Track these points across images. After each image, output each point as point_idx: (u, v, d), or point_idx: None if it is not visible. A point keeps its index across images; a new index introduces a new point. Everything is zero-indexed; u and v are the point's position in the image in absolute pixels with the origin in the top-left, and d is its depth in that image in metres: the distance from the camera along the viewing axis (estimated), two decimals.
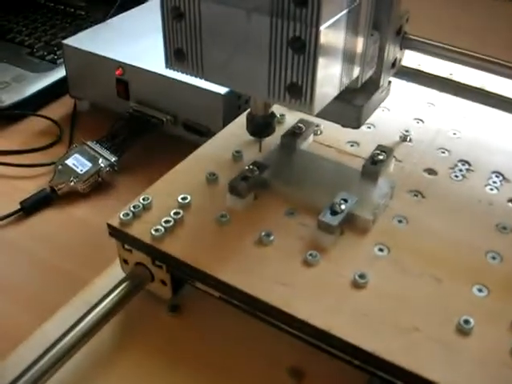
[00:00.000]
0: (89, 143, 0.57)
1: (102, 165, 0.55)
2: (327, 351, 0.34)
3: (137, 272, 0.39)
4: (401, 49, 0.44)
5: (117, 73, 0.59)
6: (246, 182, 0.39)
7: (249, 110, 0.40)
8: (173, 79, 0.56)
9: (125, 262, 0.40)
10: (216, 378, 0.37)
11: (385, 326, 0.33)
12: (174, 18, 0.35)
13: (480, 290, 0.35)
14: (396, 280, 0.36)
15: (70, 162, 0.56)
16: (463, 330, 0.33)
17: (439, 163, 0.45)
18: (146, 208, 0.39)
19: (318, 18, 0.30)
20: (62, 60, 0.70)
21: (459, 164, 0.45)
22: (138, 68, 0.58)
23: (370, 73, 0.40)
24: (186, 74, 0.37)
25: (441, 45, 0.43)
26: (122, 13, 0.71)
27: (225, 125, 0.54)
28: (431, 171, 0.45)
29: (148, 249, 0.37)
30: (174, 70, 0.37)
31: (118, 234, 0.39)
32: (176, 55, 0.36)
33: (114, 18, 0.68)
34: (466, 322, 0.33)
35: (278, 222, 0.39)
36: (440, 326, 0.33)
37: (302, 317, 0.33)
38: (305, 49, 0.31)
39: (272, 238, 0.38)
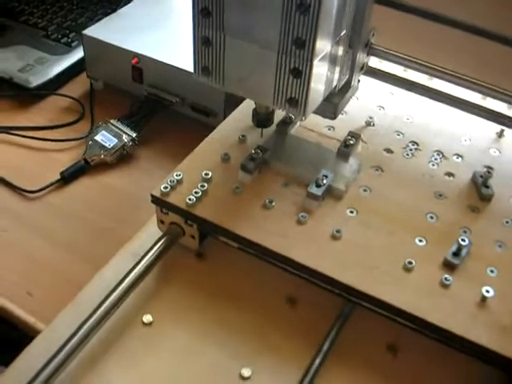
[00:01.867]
0: (112, 121, 0.70)
1: (126, 140, 0.68)
2: (314, 283, 0.49)
3: (172, 229, 0.53)
4: (367, 55, 0.57)
5: (133, 61, 0.71)
6: (253, 162, 0.53)
7: (255, 107, 0.54)
8: (181, 69, 0.68)
9: (161, 222, 0.54)
10: (233, 304, 0.51)
11: (355, 265, 0.48)
12: (203, 43, 0.48)
13: (420, 241, 0.50)
14: (362, 234, 0.50)
15: (98, 137, 0.68)
16: (408, 268, 0.48)
17: (395, 144, 0.60)
18: (179, 182, 0.52)
19: (312, 56, 0.43)
20: (76, 43, 0.82)
21: (410, 144, 0.60)
22: (152, 59, 0.70)
23: (344, 80, 0.54)
24: (210, 84, 0.50)
25: (395, 53, 0.57)
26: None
27: (226, 107, 0.67)
28: (389, 150, 0.59)
29: (183, 213, 0.51)
30: (199, 79, 0.50)
31: (158, 201, 0.52)
32: (203, 71, 0.49)
33: (124, 8, 0.79)
34: (410, 262, 0.48)
35: (276, 191, 0.53)
36: (392, 265, 0.48)
37: (298, 259, 0.48)
38: (301, 76, 0.44)
39: (273, 203, 0.52)
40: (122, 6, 0.80)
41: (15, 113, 0.75)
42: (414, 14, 0.56)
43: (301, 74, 0.44)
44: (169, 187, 0.52)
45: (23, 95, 0.76)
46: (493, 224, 0.53)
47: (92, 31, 0.74)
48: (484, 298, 0.46)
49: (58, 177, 0.66)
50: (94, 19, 0.86)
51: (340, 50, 0.49)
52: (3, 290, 0.55)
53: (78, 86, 0.79)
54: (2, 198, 0.64)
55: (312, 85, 0.45)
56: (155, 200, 0.52)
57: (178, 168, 0.54)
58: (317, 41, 0.42)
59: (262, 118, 0.54)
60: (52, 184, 0.65)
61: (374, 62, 0.59)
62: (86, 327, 0.46)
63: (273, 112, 0.54)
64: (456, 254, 0.48)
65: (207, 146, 0.57)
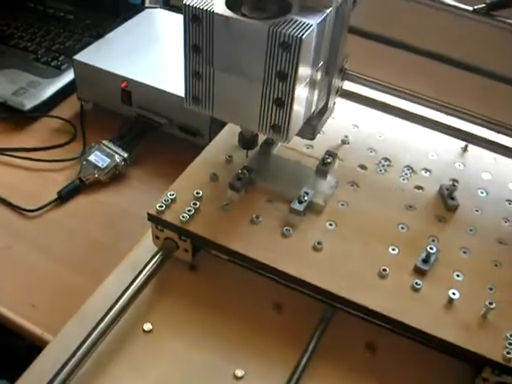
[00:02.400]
0: (104, 142, 0.74)
1: (118, 160, 0.72)
2: (298, 290, 0.54)
3: (167, 244, 0.58)
4: (342, 80, 0.63)
5: (122, 85, 0.75)
6: (240, 181, 0.58)
7: (241, 130, 0.59)
8: (169, 92, 0.73)
9: (156, 237, 0.59)
10: (224, 311, 0.56)
11: (335, 273, 0.53)
12: (193, 76, 0.52)
13: (393, 249, 0.56)
14: (341, 245, 0.56)
15: (92, 158, 0.73)
16: (382, 275, 0.53)
17: (369, 160, 0.65)
18: (173, 200, 0.57)
19: (293, 87, 0.48)
20: (65, 66, 0.86)
21: (382, 161, 0.65)
22: (141, 83, 0.74)
23: (322, 103, 0.59)
24: (198, 111, 0.55)
25: (366, 77, 0.63)
26: (110, 21, 0.87)
27: (212, 127, 0.72)
28: (363, 167, 0.65)
29: (178, 229, 0.56)
30: (190, 108, 0.55)
31: (154, 219, 0.57)
32: (193, 100, 0.54)
33: (111, 33, 0.83)
34: (384, 270, 0.53)
35: (262, 208, 0.58)
36: (368, 273, 0.53)
37: (283, 269, 0.53)
38: (284, 105, 0.49)
39: (260, 219, 0.57)
40: (108, 31, 0.84)
41: (9, 135, 0.79)
42: (383, 42, 0.62)
43: (283, 103, 0.49)
44: (164, 206, 0.57)
45: (17, 117, 0.80)
46: (458, 232, 0.58)
47: (82, 56, 0.78)
48: (451, 300, 0.51)
49: (55, 196, 0.70)
50: (80, 42, 0.91)
51: (318, 78, 0.54)
52: (9, 303, 0.60)
53: (68, 108, 0.83)
54: (3, 217, 0.68)
55: (293, 112, 0.50)
56: (151, 218, 0.57)
57: (171, 188, 0.59)
58: (298, 74, 0.47)
59: (247, 141, 0.59)
60: (50, 203, 0.69)
61: (348, 85, 0.64)
62: (92, 337, 0.50)
63: (257, 135, 0.59)
64: (425, 260, 0.54)
65: (197, 167, 0.62)
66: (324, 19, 0.49)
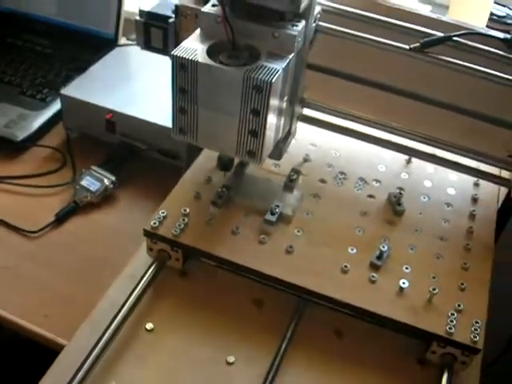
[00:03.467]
0: (93, 167, 0.83)
1: (107, 183, 0.82)
2: (275, 288, 0.64)
3: (160, 255, 0.67)
4: (302, 107, 0.73)
5: (107, 116, 0.85)
6: (220, 199, 0.68)
7: (219, 155, 0.69)
8: (150, 122, 0.83)
9: (150, 249, 0.68)
10: (213, 309, 0.66)
11: (305, 271, 0.64)
12: (179, 111, 0.62)
13: (352, 249, 0.67)
14: (308, 248, 0.66)
15: (84, 182, 0.82)
16: (344, 270, 0.64)
17: (327, 175, 0.76)
18: (164, 218, 0.67)
19: (265, 121, 0.59)
20: (50, 98, 0.95)
21: (339, 174, 0.77)
22: (124, 114, 0.84)
23: (286, 129, 0.70)
24: (184, 141, 0.64)
25: (322, 104, 0.74)
26: (87, 54, 0.96)
27: (189, 151, 0.82)
28: (323, 181, 0.75)
29: (170, 242, 0.65)
30: (177, 139, 0.65)
31: (149, 234, 0.66)
32: (179, 131, 0.64)
33: (93, 67, 0.92)
34: (345, 266, 0.64)
35: (240, 220, 0.68)
36: (332, 269, 0.64)
37: (262, 270, 0.63)
38: (257, 135, 0.60)
39: (239, 230, 0.67)
40: (89, 66, 0.93)
41: (3, 164, 0.87)
42: (335, 75, 0.73)
43: (257, 134, 0.60)
44: (157, 222, 0.66)
45: (10, 148, 0.88)
46: (406, 233, 0.70)
47: (68, 91, 0.87)
48: (401, 289, 0.63)
49: (53, 218, 0.79)
50: (60, 75, 0.99)
51: (284, 108, 0.65)
52: (23, 315, 0.68)
53: (55, 137, 0.92)
54: (7, 239, 0.77)
55: (266, 142, 0.60)
56: (147, 233, 0.66)
57: (161, 207, 0.68)
58: (268, 110, 0.58)
59: (225, 164, 0.70)
60: (49, 224, 0.78)
61: (306, 111, 0.75)
62: (104, 338, 0.59)
63: (233, 159, 0.70)
64: (379, 257, 0.65)
65: (182, 187, 0.72)
66: (288, 63, 0.59)
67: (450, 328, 0.59)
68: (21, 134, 0.88)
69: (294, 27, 0.60)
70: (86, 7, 1.04)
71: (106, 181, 0.82)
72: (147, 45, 0.74)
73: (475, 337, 0.59)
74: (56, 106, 0.93)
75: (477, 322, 0.60)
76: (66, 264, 0.74)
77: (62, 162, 0.88)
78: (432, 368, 0.62)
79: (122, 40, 1.06)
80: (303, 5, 0.59)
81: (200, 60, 0.57)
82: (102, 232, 0.79)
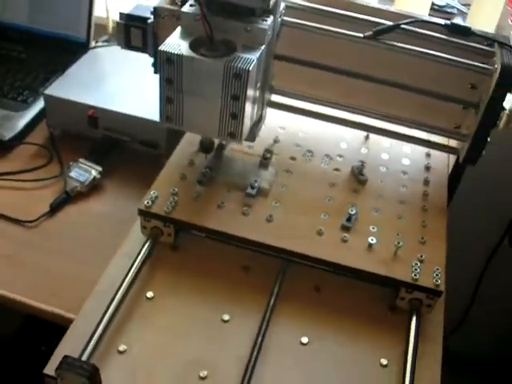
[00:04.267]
0: (80, 160, 0.90)
1: (94, 174, 0.88)
2: (260, 252, 0.73)
3: (153, 232, 0.75)
4: (270, 94, 0.82)
5: (90, 112, 0.91)
6: (205, 177, 0.76)
7: (201, 138, 0.77)
8: (131, 115, 0.90)
9: (144, 227, 0.75)
10: (205, 276, 0.73)
11: (285, 236, 0.72)
12: (166, 101, 0.70)
13: (324, 215, 0.76)
14: (286, 216, 0.75)
15: (73, 174, 0.88)
16: (320, 233, 0.73)
17: (296, 153, 0.85)
18: (156, 197, 0.74)
19: (243, 105, 0.67)
20: (31, 99, 1.01)
21: (306, 152, 0.85)
22: (106, 109, 0.91)
23: (259, 114, 0.78)
24: (171, 127, 0.72)
25: (287, 90, 0.82)
26: (60, 58, 1.02)
27: (168, 140, 0.90)
28: (293, 158, 0.84)
29: (163, 218, 0.73)
30: (164, 125, 0.72)
31: (144, 213, 0.73)
32: (167, 119, 0.71)
33: (71, 69, 0.99)
34: (320, 230, 0.73)
35: (224, 195, 0.76)
36: (309, 233, 0.73)
37: (247, 236, 0.72)
38: (237, 118, 0.68)
39: (224, 204, 0.75)
40: (66, 67, 0.99)
41: None
42: (299, 63, 0.81)
43: (237, 116, 0.68)
44: (150, 202, 0.74)
45: None
46: (370, 198, 0.79)
47: (51, 91, 0.94)
48: (370, 245, 0.72)
49: (47, 208, 0.85)
50: (38, 78, 1.05)
51: (257, 95, 0.73)
52: (33, 295, 0.75)
53: (39, 135, 0.98)
54: (7, 229, 0.83)
55: (244, 122, 0.68)
56: (142, 212, 0.74)
57: (152, 188, 0.76)
58: (246, 95, 0.66)
59: (206, 147, 0.78)
60: (44, 214, 0.85)
61: (274, 97, 0.83)
62: (110, 309, 0.66)
63: (213, 142, 0.78)
64: (348, 220, 0.74)
65: (168, 171, 0.79)
66: (261, 54, 0.67)
67: (415, 275, 0.69)
68: (8, 134, 0.94)
69: (264, 22, 0.68)
70: (58, 13, 1.10)
71: (93, 172, 0.89)
72: (128, 44, 0.81)
73: (437, 281, 0.69)
74: (37, 107, 0.99)
75: (437, 269, 0.70)
76: (64, 248, 0.81)
77: (48, 157, 0.94)
78: (402, 313, 0.71)
79: (92, 43, 1.12)
80: (271, 2, 0.67)
81: (184, 53, 0.65)
82: (94, 218, 0.86)
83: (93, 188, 0.89)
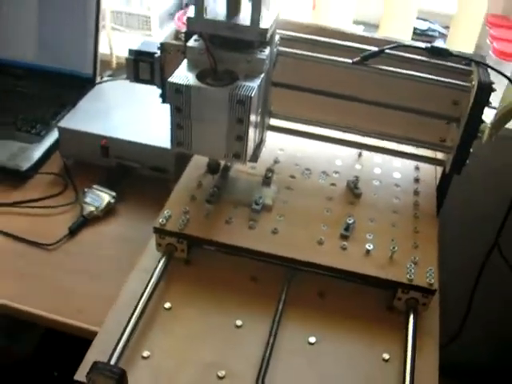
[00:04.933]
0: (94, 186, 0.96)
1: (109, 198, 0.95)
2: (267, 262, 0.79)
3: (168, 248, 0.81)
4: (269, 118, 0.89)
5: (102, 142, 0.98)
6: (213, 197, 0.83)
7: (208, 161, 0.84)
8: (140, 143, 0.97)
9: (159, 245, 0.82)
10: (217, 287, 0.80)
11: (290, 246, 0.79)
12: (176, 127, 0.77)
13: (324, 226, 0.82)
14: (289, 228, 0.82)
15: (88, 199, 0.95)
16: (321, 242, 0.79)
17: (295, 171, 0.92)
18: (169, 216, 0.81)
19: (247, 128, 0.74)
20: (43, 132, 1.07)
21: (305, 170, 0.92)
22: (118, 139, 0.98)
23: (260, 137, 0.85)
24: (182, 151, 0.79)
25: (285, 114, 0.89)
26: (68, 92, 1.10)
27: (177, 166, 0.96)
28: (292, 176, 0.91)
29: (177, 235, 0.79)
30: (176, 150, 0.79)
31: (159, 230, 0.80)
32: (177, 144, 0.78)
33: (81, 102, 1.06)
34: (321, 239, 0.79)
35: (231, 212, 0.83)
36: (311, 243, 0.79)
37: (255, 248, 0.78)
38: (242, 140, 0.75)
39: (232, 219, 0.82)
40: (76, 101, 1.06)
41: (11, 192, 0.99)
42: (295, 89, 0.89)
43: (242, 139, 0.75)
44: (164, 220, 0.80)
45: (16, 178, 1.00)
46: (365, 210, 0.86)
47: (65, 123, 1.01)
48: (368, 251, 0.78)
49: (66, 231, 0.92)
50: (49, 112, 1.12)
51: (258, 120, 0.80)
52: (60, 311, 0.80)
53: (53, 165, 1.05)
54: (30, 252, 0.89)
55: (248, 144, 0.75)
56: (157, 230, 0.80)
57: (165, 207, 0.82)
58: (250, 119, 0.73)
59: (213, 168, 0.85)
60: (64, 237, 0.91)
61: (273, 121, 0.91)
62: (133, 319, 0.72)
63: (219, 164, 0.85)
64: (346, 229, 0.81)
65: (178, 192, 0.86)
66: (261, 82, 0.75)
67: (410, 276, 0.76)
68: (24, 165, 1.01)
69: (262, 53, 0.76)
70: (65, 51, 1.17)
71: (107, 196, 0.95)
72: (136, 78, 0.88)
73: (431, 280, 0.75)
74: (50, 139, 1.06)
75: (430, 269, 0.77)
76: (85, 267, 0.87)
77: (63, 185, 1.00)
78: (399, 313, 0.78)
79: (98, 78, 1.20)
80: (268, 34, 0.75)
81: (192, 84, 0.72)
82: (110, 239, 0.92)
83: (107, 212, 0.95)
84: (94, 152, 1.00)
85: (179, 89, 0.73)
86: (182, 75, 0.74)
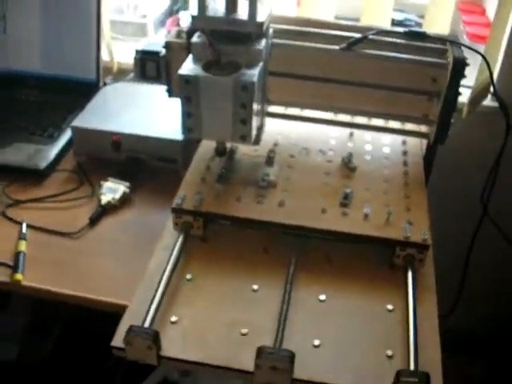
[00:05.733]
0: (109, 179, 1.04)
1: (124, 188, 1.03)
2: (277, 232, 0.88)
3: (185, 226, 0.89)
4: (267, 105, 0.98)
5: (114, 138, 1.06)
6: (223, 177, 0.92)
7: (216, 144, 0.92)
8: (149, 136, 1.05)
9: (176, 224, 0.90)
10: (233, 259, 0.88)
11: (296, 215, 0.87)
12: (187, 115, 0.85)
13: (324, 197, 0.91)
14: (294, 201, 0.90)
15: (104, 191, 1.03)
16: (324, 211, 0.88)
17: (294, 151, 1.01)
18: (184, 197, 0.89)
19: (251, 112, 0.82)
20: (56, 134, 1.15)
21: (302, 150, 1.01)
22: (128, 133, 1.06)
23: (260, 121, 0.94)
24: (192, 137, 0.87)
25: (280, 100, 0.98)
26: (74, 98, 1.18)
27: (183, 156, 1.05)
28: (292, 156, 1.00)
29: (194, 213, 0.87)
30: (186, 138, 0.87)
31: (176, 210, 0.88)
32: (188, 131, 0.86)
33: (89, 104, 1.14)
34: (324, 208, 0.88)
35: (240, 191, 0.91)
36: (315, 212, 0.88)
37: (266, 219, 0.87)
38: (246, 123, 0.83)
39: (242, 196, 0.90)
40: (84, 104, 1.15)
41: (33, 189, 1.07)
42: (287, 77, 0.97)
43: (246, 122, 0.83)
44: (180, 201, 0.88)
45: (36, 175, 1.08)
46: (360, 181, 0.95)
47: (77, 123, 1.08)
48: (367, 215, 0.87)
49: (87, 221, 0.99)
50: (58, 115, 1.20)
51: (259, 106, 0.89)
52: (88, 290, 0.88)
53: (68, 162, 1.13)
54: (56, 241, 0.97)
55: (252, 127, 0.84)
56: (174, 210, 0.88)
57: (180, 190, 0.91)
58: (253, 103, 0.82)
59: (221, 152, 0.93)
60: (86, 226, 0.99)
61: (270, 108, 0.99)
62: (160, 289, 0.80)
63: (226, 148, 0.93)
64: (345, 198, 0.90)
65: (190, 176, 0.94)
66: (260, 69, 0.83)
67: (406, 234, 0.84)
68: (42, 164, 1.08)
69: (260, 44, 0.85)
70: (68, 58, 1.26)
71: (122, 187, 1.03)
72: (143, 76, 0.97)
73: (424, 236, 0.84)
74: (63, 139, 1.14)
75: (423, 228, 0.85)
76: (107, 251, 0.95)
77: (79, 180, 1.08)
78: (399, 269, 0.86)
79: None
80: (264, 27, 0.84)
81: (200, 74, 0.81)
82: (128, 225, 1.00)
83: (123, 201, 1.03)
84: (106, 148, 1.08)
85: (188, 79, 0.81)
86: (190, 67, 0.82)
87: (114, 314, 0.85)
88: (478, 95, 1.24)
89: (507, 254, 1.42)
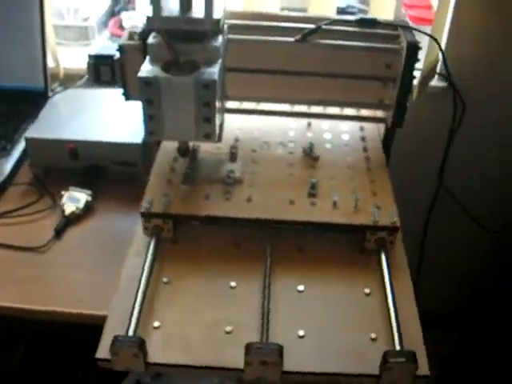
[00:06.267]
0: (71, 188, 1.02)
1: (86, 197, 1.01)
2: (247, 227, 0.88)
3: (155, 230, 0.89)
4: (226, 101, 0.98)
5: (70, 146, 1.04)
6: (188, 178, 0.91)
7: (178, 144, 0.92)
8: (106, 142, 1.03)
9: (145, 228, 0.89)
10: (206, 257, 0.88)
11: (264, 208, 0.87)
12: (149, 118, 0.84)
13: (291, 189, 0.92)
14: (261, 194, 0.90)
15: (67, 201, 1.00)
16: (291, 202, 0.89)
17: (255, 146, 1.01)
18: (151, 200, 0.88)
19: (214, 110, 0.82)
20: (9, 147, 1.12)
21: (263, 144, 1.01)
22: (84, 140, 1.04)
23: (222, 119, 0.94)
24: (155, 140, 0.86)
25: (237, 95, 0.98)
26: (22, 108, 1.15)
27: (143, 159, 1.04)
28: (254, 150, 1.00)
29: (163, 215, 0.87)
30: (149, 141, 0.86)
31: (145, 214, 0.87)
32: (150, 134, 0.85)
33: (41, 113, 1.11)
34: (292, 199, 0.89)
35: (207, 189, 0.91)
36: (282, 204, 0.89)
37: (234, 215, 0.87)
38: (210, 121, 0.83)
39: (209, 195, 0.90)
40: (36, 113, 1.12)
41: None
42: (242, 71, 0.97)
43: (210, 120, 0.83)
44: (148, 205, 0.88)
45: None
46: (324, 170, 0.96)
47: (31, 133, 1.06)
48: (335, 203, 0.89)
49: (52, 233, 0.97)
50: (9, 127, 1.17)
51: (220, 103, 0.89)
52: (61, 303, 0.87)
53: (24, 175, 1.09)
54: (22, 257, 0.94)
55: (216, 125, 0.84)
56: (144, 214, 0.87)
57: (146, 193, 0.90)
58: (215, 101, 0.81)
59: (184, 151, 0.92)
60: (52, 238, 0.97)
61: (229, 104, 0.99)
62: (139, 295, 0.79)
63: (188, 147, 0.93)
64: (312, 187, 0.91)
65: (155, 178, 0.93)
66: (219, 67, 0.83)
67: (375, 218, 0.86)
68: None
69: (217, 41, 0.84)
70: (13, 67, 1.22)
71: (84, 196, 1.01)
72: (98, 80, 0.95)
73: (393, 219, 0.86)
74: (16, 152, 1.11)
75: (391, 211, 0.87)
76: (77, 262, 0.94)
77: (39, 192, 1.06)
78: (371, 253, 0.88)
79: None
80: (221, 24, 0.84)
81: (160, 75, 0.80)
82: (94, 234, 0.99)
83: (87, 210, 1.01)
84: (63, 157, 1.05)
85: (149, 82, 0.80)
86: (149, 69, 0.81)
87: (80, 325, 0.85)
88: (427, 76, 1.28)
89: (465, 229, 1.47)
